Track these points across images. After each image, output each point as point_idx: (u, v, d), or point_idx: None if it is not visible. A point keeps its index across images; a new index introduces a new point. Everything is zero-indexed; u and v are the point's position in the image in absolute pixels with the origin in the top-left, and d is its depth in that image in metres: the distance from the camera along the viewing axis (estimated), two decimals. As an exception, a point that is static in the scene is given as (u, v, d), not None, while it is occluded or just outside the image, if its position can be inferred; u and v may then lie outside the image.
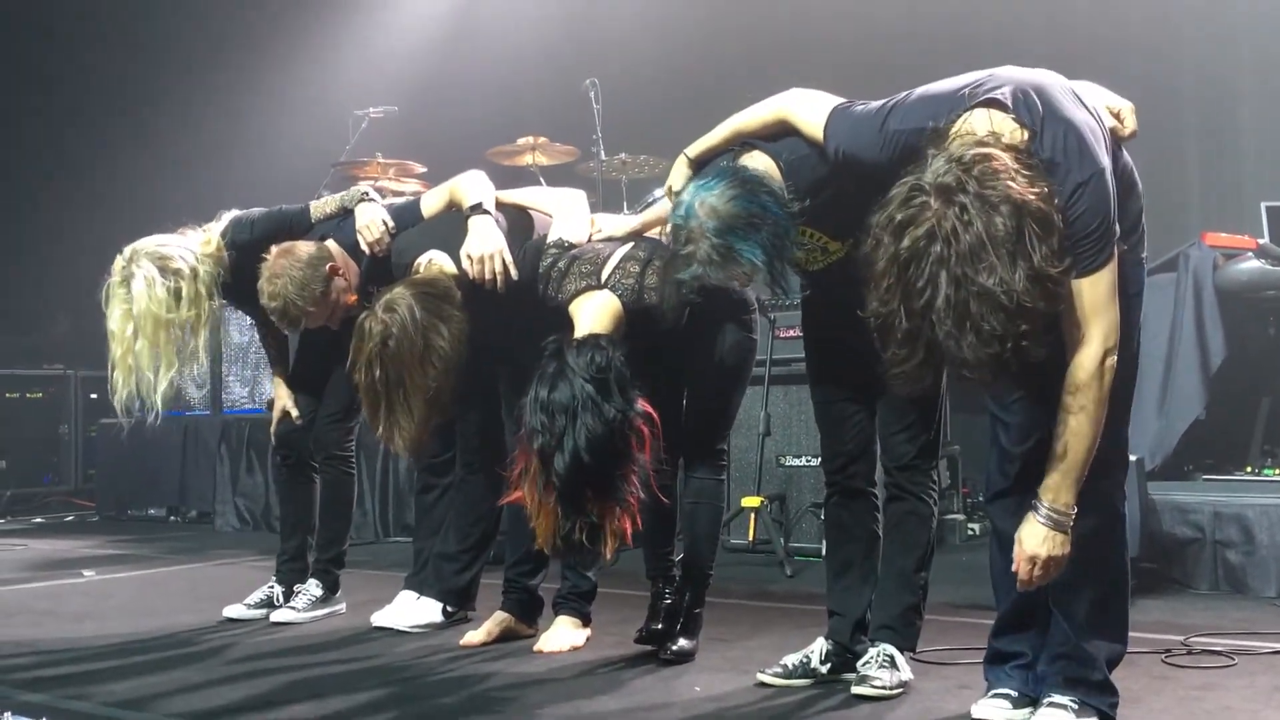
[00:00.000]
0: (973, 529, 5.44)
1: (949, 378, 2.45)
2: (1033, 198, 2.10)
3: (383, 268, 3.55)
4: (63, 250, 8.56)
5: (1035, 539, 2.29)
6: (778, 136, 2.66)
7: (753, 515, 4.96)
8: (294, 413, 4.02)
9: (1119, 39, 6.62)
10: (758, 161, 2.63)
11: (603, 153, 6.40)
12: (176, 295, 3.66)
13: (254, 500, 6.77)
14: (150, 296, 3.62)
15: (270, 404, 4.20)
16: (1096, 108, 2.39)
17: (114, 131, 8.83)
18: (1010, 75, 2.36)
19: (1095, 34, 6.67)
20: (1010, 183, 2.09)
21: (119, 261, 3.70)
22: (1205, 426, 4.48)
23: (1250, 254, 4.46)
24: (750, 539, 4.98)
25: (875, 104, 2.50)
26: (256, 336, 6.67)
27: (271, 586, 3.99)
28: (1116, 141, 2.40)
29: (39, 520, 7.47)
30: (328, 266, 3.58)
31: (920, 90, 2.46)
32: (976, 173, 2.09)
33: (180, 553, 5.81)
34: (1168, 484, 4.29)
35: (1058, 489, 2.27)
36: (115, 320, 3.67)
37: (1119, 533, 2.42)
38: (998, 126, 2.24)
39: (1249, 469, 4.41)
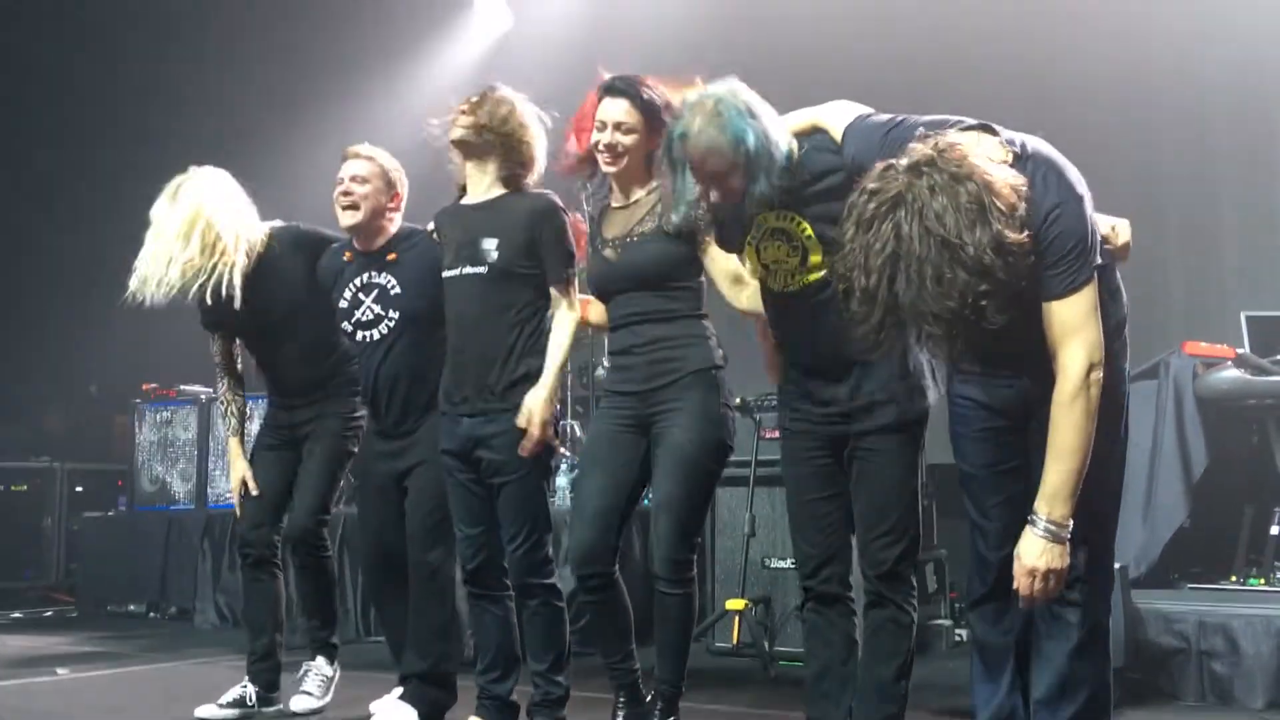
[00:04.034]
0: (960, 635, 5.38)
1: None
2: (1001, 181, 2.18)
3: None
4: (53, 340, 8.61)
5: (1034, 552, 2.31)
6: None
7: (737, 618, 4.91)
8: (253, 486, 3.97)
9: (1101, 148, 6.77)
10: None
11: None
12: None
13: (235, 597, 6.66)
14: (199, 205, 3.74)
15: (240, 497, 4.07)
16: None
17: (109, 225, 8.90)
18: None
19: (1077, 143, 6.82)
20: (980, 165, 2.19)
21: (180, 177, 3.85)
22: (1189, 534, 4.48)
23: (1229, 363, 4.51)
24: (734, 642, 4.92)
25: (885, 115, 2.62)
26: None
27: (245, 686, 3.93)
28: (1109, 253, 2.46)
29: (17, 615, 7.36)
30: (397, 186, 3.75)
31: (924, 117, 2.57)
32: (951, 156, 2.19)
33: (157, 650, 5.72)
34: (1153, 592, 4.27)
35: (1052, 501, 2.30)
36: (160, 209, 3.76)
37: (1102, 646, 2.40)
38: (984, 145, 2.33)
39: (1234, 578, 4.39)
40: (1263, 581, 4.28)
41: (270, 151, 7.74)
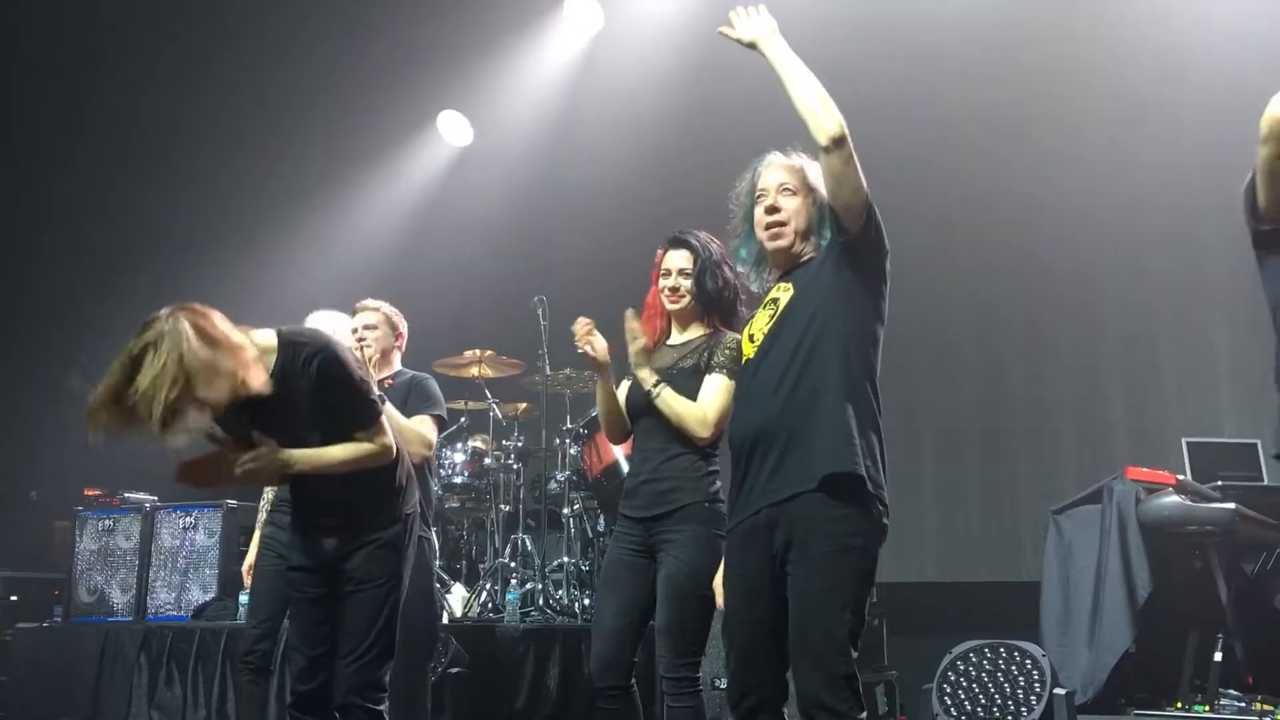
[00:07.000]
0: (910, 760, 5.33)
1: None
2: None
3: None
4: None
5: None
6: None
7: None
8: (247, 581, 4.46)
9: (1046, 275, 6.99)
10: None
11: (548, 367, 6.52)
12: None
13: (170, 714, 6.45)
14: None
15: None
16: None
17: (49, 332, 8.82)
18: None
19: (1022, 271, 7.04)
20: None
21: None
22: (1135, 659, 4.49)
23: (1170, 489, 4.58)
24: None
25: None
26: (186, 540, 6.67)
27: None
28: None
29: (-62, 732, 7.09)
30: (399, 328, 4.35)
31: None
32: None
33: (86, 770, 5.52)
34: (1100, 718, 4.27)
35: None
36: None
37: None
38: None
39: (1179, 704, 4.40)
40: (1208, 708, 4.29)
41: (223, 276, 7.79)
